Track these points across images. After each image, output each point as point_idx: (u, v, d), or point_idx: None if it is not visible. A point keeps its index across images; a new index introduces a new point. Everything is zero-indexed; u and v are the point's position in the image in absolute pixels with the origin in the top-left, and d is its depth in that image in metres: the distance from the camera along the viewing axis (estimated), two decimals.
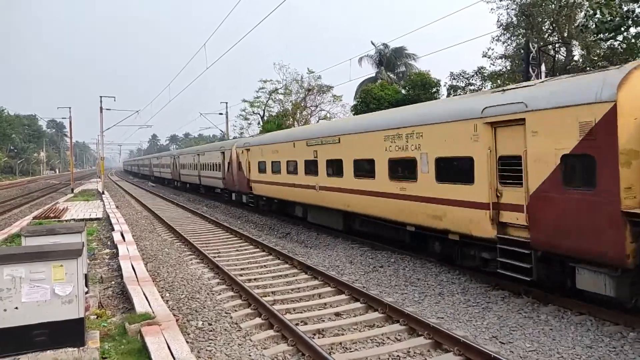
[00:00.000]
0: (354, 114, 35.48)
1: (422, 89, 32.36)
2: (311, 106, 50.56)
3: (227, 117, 49.88)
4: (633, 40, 20.29)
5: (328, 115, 49.39)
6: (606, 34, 16.62)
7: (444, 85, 33.59)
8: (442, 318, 8.73)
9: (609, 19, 15.09)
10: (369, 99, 33.26)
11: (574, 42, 26.81)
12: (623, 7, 15.75)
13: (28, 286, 5.92)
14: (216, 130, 63.90)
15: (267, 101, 53.25)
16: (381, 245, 14.53)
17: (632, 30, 16.52)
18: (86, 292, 7.82)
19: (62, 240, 8.08)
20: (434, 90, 32.99)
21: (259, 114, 54.75)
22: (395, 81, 41.79)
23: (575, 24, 26.67)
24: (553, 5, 27.60)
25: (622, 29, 15.54)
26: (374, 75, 45.59)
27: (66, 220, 20.37)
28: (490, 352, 6.63)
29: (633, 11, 15.33)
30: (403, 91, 34.78)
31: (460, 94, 30.17)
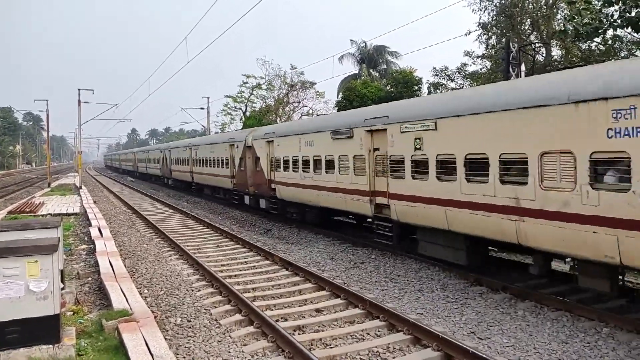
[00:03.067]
0: (337, 111, 35.54)
1: (405, 86, 32.53)
2: (294, 102, 50.44)
3: (208, 112, 49.50)
4: (610, 42, 20.72)
5: (311, 111, 49.33)
6: (583, 39, 16.92)
7: (426, 83, 33.83)
8: (422, 314, 8.80)
9: (588, 22, 15.37)
10: (352, 97, 33.32)
11: (553, 42, 27.25)
12: (602, 10, 16.05)
13: (1, 282, 5.77)
14: (197, 125, 63.46)
15: (249, 96, 52.95)
16: (362, 242, 14.63)
17: (610, 33, 16.85)
18: (62, 289, 7.68)
19: (38, 235, 7.89)
20: (416, 87, 33.20)
21: (241, 109, 54.43)
22: (376, 79, 41.93)
23: (556, 23, 27.10)
24: (532, 6, 28.00)
25: (600, 32, 15.84)
26: (357, 72, 45.67)
27: (42, 215, 19.93)
28: (468, 348, 6.70)
29: (612, 15, 15.63)
30: (386, 88, 34.94)
31: (442, 91, 30.42)
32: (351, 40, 47.42)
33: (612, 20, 15.47)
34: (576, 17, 15.91)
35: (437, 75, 32.75)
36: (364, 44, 46.13)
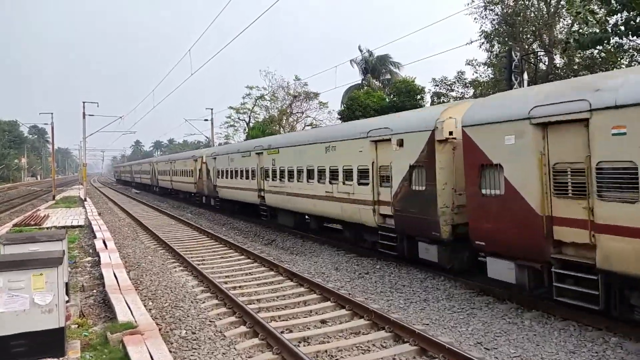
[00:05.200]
0: (341, 121, 35.67)
1: (407, 95, 32.60)
2: (297, 112, 50.63)
3: (212, 123, 49.68)
4: (612, 51, 20.74)
5: (314, 121, 49.49)
6: (588, 47, 16.93)
7: (428, 92, 33.92)
8: (428, 324, 8.74)
9: (592, 31, 15.40)
10: (354, 107, 33.41)
11: (555, 50, 27.33)
12: (608, 20, 16.09)
13: (6, 296, 5.79)
14: (201, 136, 63.81)
15: (252, 107, 53.24)
16: (367, 252, 14.58)
17: (613, 41, 16.87)
18: (67, 301, 7.68)
19: (43, 248, 7.94)
20: (419, 97, 33.27)
21: (244, 120, 54.68)
22: (379, 88, 42.05)
23: (557, 31, 27.18)
24: (534, 15, 28.12)
25: (603, 41, 15.85)
26: (360, 82, 45.81)
27: (47, 228, 20.02)
28: (475, 358, 6.65)
29: (616, 24, 15.66)
30: (388, 99, 35.05)
31: (442, 101, 30.47)
32: (359, 47, 47.48)
33: (616, 29, 15.49)
34: (581, 27, 15.95)
35: (437, 85, 32.90)
36: (367, 53, 46.34)
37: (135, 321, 7.61)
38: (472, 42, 29.51)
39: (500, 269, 9.23)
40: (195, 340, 7.96)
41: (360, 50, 46.64)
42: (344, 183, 14.80)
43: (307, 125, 48.91)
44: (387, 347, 7.78)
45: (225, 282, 11.98)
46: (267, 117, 51.26)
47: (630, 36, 16.04)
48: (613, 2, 14.97)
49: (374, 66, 46.48)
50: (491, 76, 30.83)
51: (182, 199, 41.16)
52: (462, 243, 10.60)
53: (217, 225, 24.11)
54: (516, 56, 20.81)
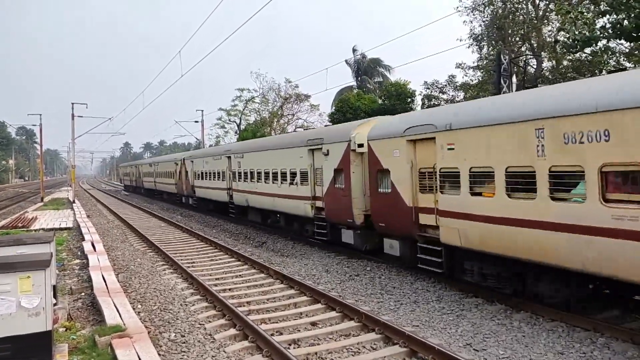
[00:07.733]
0: (331, 123, 35.72)
1: (398, 99, 32.72)
2: (288, 114, 50.64)
3: (202, 125, 49.57)
4: (599, 54, 20.97)
5: (305, 123, 49.52)
6: (578, 49, 17.07)
7: (419, 95, 34.08)
8: (418, 326, 8.76)
9: (581, 31, 15.51)
10: (345, 109, 33.47)
11: (544, 53, 27.61)
12: (595, 21, 16.22)
13: None
14: (191, 138, 63.68)
15: (243, 109, 53.17)
16: (357, 254, 14.59)
17: (600, 43, 17.05)
18: (55, 304, 7.60)
19: (30, 250, 7.84)
20: (410, 100, 33.40)
21: (235, 122, 54.59)
22: (372, 90, 42.19)
23: (546, 35, 27.46)
24: (522, 17, 28.41)
25: (592, 42, 15.98)
26: (354, 83, 45.92)
27: (35, 230, 19.82)
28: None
29: (605, 26, 15.79)
30: (380, 100, 35.17)
31: (435, 104, 30.64)
32: (354, 48, 47.46)
33: (605, 31, 15.62)
34: (569, 27, 16.05)
35: (428, 88, 33.10)
36: (360, 55, 46.45)
37: (124, 324, 7.55)
38: (461, 39, 29.77)
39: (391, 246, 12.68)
40: (184, 343, 7.91)
41: (354, 51, 46.76)
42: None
43: (299, 127, 48.91)
44: (377, 349, 7.79)
45: (215, 285, 11.92)
46: (258, 119, 51.24)
47: (618, 39, 16.20)
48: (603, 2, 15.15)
49: (366, 69, 46.64)
50: (480, 79, 31.08)
51: None
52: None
53: (207, 227, 24.00)
54: (505, 59, 20.98)
